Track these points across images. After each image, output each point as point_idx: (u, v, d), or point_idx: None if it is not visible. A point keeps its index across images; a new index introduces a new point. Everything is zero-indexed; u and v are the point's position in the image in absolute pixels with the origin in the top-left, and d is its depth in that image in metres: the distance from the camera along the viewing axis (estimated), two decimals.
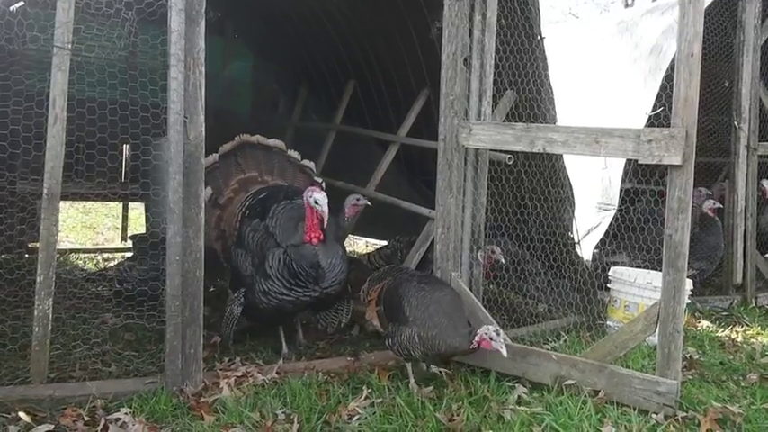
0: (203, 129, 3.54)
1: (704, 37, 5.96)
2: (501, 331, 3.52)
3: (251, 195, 4.63)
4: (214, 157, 4.72)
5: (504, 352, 3.43)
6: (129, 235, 7.27)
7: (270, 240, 4.18)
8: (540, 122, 4.84)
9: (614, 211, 5.89)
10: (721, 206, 6.28)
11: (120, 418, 3.13)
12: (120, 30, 3.49)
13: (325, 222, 3.99)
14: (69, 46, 3.31)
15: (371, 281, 4.15)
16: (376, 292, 4.04)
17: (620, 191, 5.89)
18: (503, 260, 4.85)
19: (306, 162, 5.12)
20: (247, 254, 4.28)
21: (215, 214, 4.71)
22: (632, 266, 5.49)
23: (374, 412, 3.35)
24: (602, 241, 5.87)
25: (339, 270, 4.10)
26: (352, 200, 4.66)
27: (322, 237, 4.04)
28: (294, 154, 5.06)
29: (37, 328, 3.32)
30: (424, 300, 3.71)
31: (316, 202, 3.96)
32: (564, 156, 5.14)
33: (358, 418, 3.31)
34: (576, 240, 5.43)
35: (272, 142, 5.05)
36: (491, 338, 3.45)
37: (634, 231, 4.93)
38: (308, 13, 6.56)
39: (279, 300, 4.09)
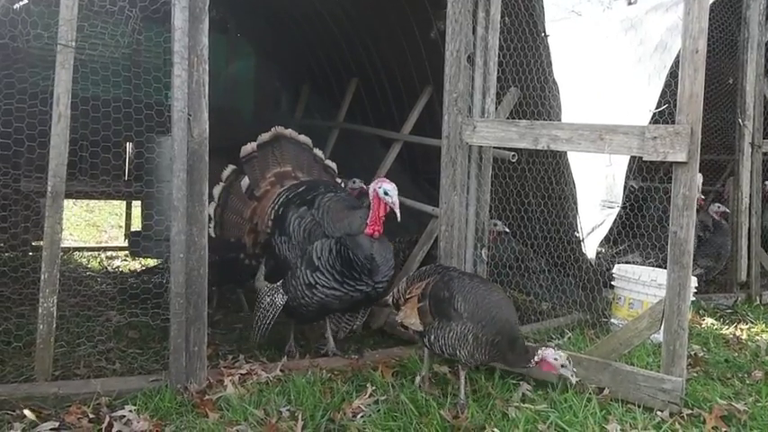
0: (207, 126, 3.53)
1: (709, 34, 5.96)
2: (564, 354, 3.34)
3: (286, 190, 4.43)
4: (252, 145, 4.57)
5: (573, 380, 3.31)
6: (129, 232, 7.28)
7: (318, 230, 4.04)
8: (545, 120, 4.82)
9: (618, 209, 5.88)
10: (727, 210, 6.27)
11: (124, 416, 3.13)
12: (124, 27, 3.49)
13: (398, 214, 3.84)
14: (73, 44, 3.30)
15: (410, 279, 3.86)
16: (419, 289, 3.71)
17: (628, 189, 5.88)
18: (506, 230, 4.88)
19: (329, 162, 4.93)
20: (292, 242, 4.10)
21: (250, 206, 4.52)
22: (646, 266, 5.47)
23: (378, 410, 3.35)
24: (614, 241, 5.86)
25: (391, 265, 3.99)
26: (348, 184, 4.88)
27: (381, 231, 3.91)
28: (319, 153, 4.88)
29: (41, 326, 3.32)
30: (484, 299, 3.46)
31: (386, 193, 3.81)
32: (568, 153, 5.14)
33: (362, 416, 3.30)
34: (581, 238, 5.42)
35: (303, 138, 4.82)
36: (561, 365, 3.28)
37: (647, 230, 4.93)
38: (311, 11, 6.55)
39: (326, 295, 3.92)
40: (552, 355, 3.28)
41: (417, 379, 3.72)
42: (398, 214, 3.84)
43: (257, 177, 4.54)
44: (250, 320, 5.05)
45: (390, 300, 3.93)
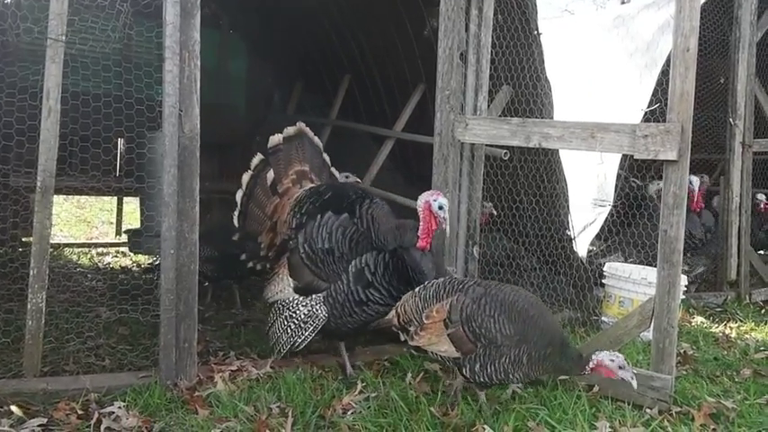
0: (198, 122, 3.52)
1: (700, 33, 5.97)
2: (621, 357, 3.10)
3: (308, 195, 4.05)
4: (279, 137, 4.31)
5: (634, 384, 3.07)
6: (123, 229, 7.26)
7: (365, 242, 3.72)
8: (537, 118, 4.83)
9: (610, 207, 5.90)
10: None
11: (113, 412, 3.12)
12: (115, 22, 3.46)
13: (447, 230, 3.73)
14: (63, 38, 3.28)
15: (423, 299, 3.35)
16: (442, 313, 3.22)
17: (628, 186, 5.90)
18: (495, 212, 4.87)
19: (333, 169, 4.61)
20: (336, 255, 3.75)
21: (273, 202, 4.20)
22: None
23: (369, 407, 3.34)
24: (605, 239, 5.88)
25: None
26: (341, 179, 4.67)
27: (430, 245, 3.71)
28: (327, 157, 4.57)
29: (30, 322, 3.30)
30: (527, 313, 3.14)
31: (440, 207, 3.61)
32: (560, 151, 5.15)
33: (353, 413, 3.30)
34: (572, 236, 5.44)
35: (317, 140, 4.53)
36: (619, 367, 3.05)
37: (637, 228, 4.94)
38: (304, 7, 6.54)
39: (376, 312, 3.67)
40: (608, 357, 3.06)
41: (408, 376, 3.71)
42: (448, 231, 3.73)
43: (281, 172, 4.27)
44: (241, 317, 5.08)
45: (395, 320, 3.47)
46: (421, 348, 3.39)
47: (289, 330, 3.85)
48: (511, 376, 3.13)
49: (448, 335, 3.19)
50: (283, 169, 4.26)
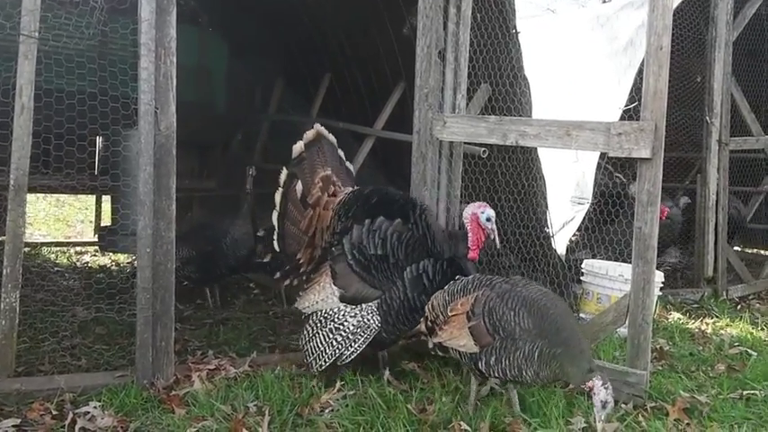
0: (175, 119, 3.50)
1: (677, 33, 6.05)
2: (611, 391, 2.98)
3: (354, 196, 3.92)
4: (300, 145, 4.06)
5: (598, 427, 2.97)
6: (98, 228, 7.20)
7: (421, 249, 3.65)
8: (515, 116, 4.85)
9: (588, 205, 5.95)
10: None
11: (88, 412, 3.10)
12: (89, 18, 3.43)
13: (497, 242, 3.74)
14: (36, 34, 3.25)
15: (450, 294, 3.36)
16: (465, 305, 3.25)
17: (613, 182, 5.95)
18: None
19: (348, 164, 4.40)
20: (390, 261, 3.63)
21: (307, 216, 3.97)
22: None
23: (347, 404, 3.34)
24: (577, 243, 5.93)
25: None
26: None
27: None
28: (342, 153, 4.32)
29: (3, 322, 3.26)
30: (548, 310, 3.13)
31: (488, 219, 3.64)
32: (538, 149, 5.18)
33: (330, 410, 3.30)
34: (551, 234, 5.47)
35: (333, 138, 4.29)
36: (601, 401, 2.94)
37: (612, 225, 4.97)
38: (285, 4, 6.51)
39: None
40: (601, 384, 2.96)
41: (386, 373, 3.72)
42: (498, 242, 3.72)
43: (308, 182, 4.02)
44: (220, 316, 5.06)
45: (422, 325, 3.47)
46: (444, 347, 3.36)
47: (334, 343, 3.66)
48: (524, 373, 3.07)
49: (468, 328, 3.20)
50: (310, 179, 4.05)
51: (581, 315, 5.05)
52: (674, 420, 3.32)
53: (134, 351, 3.52)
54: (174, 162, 3.53)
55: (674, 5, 5.68)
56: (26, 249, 6.07)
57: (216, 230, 5.20)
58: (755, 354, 4.47)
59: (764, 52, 7.32)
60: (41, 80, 3.35)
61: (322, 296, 3.76)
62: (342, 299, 3.69)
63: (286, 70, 7.62)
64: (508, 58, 4.84)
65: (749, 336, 5.00)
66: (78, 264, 6.65)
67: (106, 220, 6.98)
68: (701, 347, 4.67)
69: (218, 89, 7.83)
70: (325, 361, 3.65)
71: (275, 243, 4.01)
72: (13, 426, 2.96)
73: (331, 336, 3.68)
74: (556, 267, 5.13)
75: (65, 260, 6.80)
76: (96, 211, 7.42)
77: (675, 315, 5.55)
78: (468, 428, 3.11)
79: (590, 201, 5.81)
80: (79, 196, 9.11)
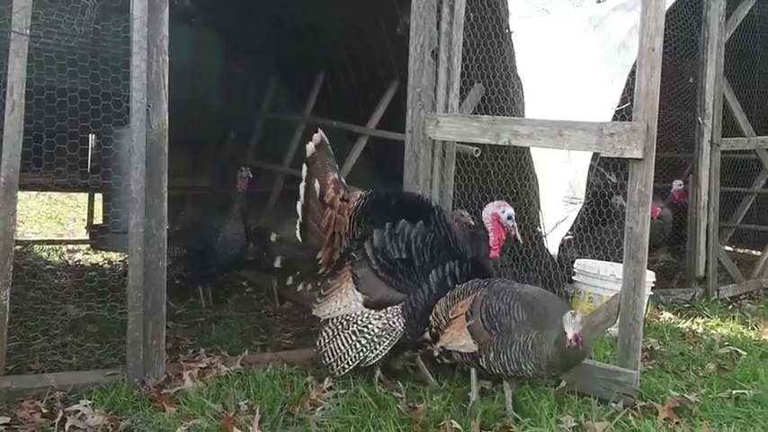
0: (167, 118, 3.49)
1: (670, 34, 6.07)
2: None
3: (371, 199, 3.86)
4: (311, 145, 3.98)
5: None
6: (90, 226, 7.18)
7: (445, 251, 3.63)
8: (508, 116, 4.86)
9: (581, 205, 5.97)
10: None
11: (78, 410, 3.09)
12: (81, 16, 3.42)
13: (519, 238, 3.73)
14: (28, 32, 3.23)
15: (451, 298, 3.45)
16: (465, 306, 3.33)
17: (605, 182, 5.97)
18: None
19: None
20: (415, 264, 3.60)
21: (327, 215, 3.88)
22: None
23: (338, 403, 3.35)
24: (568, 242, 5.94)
25: None
26: None
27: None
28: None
29: None
30: (540, 301, 3.22)
31: (509, 218, 3.63)
32: (531, 149, 5.19)
33: (321, 409, 3.30)
34: (544, 234, 5.49)
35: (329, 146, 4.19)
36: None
37: (603, 225, 4.99)
38: (279, 3, 6.51)
39: None
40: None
41: (377, 373, 3.73)
42: (519, 238, 3.72)
43: (323, 181, 3.95)
44: (212, 314, 5.06)
45: (428, 331, 3.52)
46: (448, 351, 3.39)
47: (357, 346, 3.62)
48: (523, 366, 3.10)
49: (468, 327, 3.26)
50: (323, 178, 3.97)
51: None
52: (664, 419, 3.33)
53: (125, 349, 3.51)
54: (165, 160, 3.53)
55: (667, 7, 5.73)
56: (17, 247, 6.07)
57: (207, 229, 5.19)
58: (745, 353, 4.49)
59: (756, 53, 7.36)
60: (33, 78, 3.34)
61: (344, 302, 3.71)
62: (366, 304, 3.65)
63: (280, 69, 7.61)
64: (501, 58, 4.85)
65: (739, 335, 5.03)
66: (70, 262, 6.63)
67: (98, 219, 6.97)
68: (692, 347, 4.69)
69: (211, 87, 7.82)
70: (348, 364, 3.62)
71: (297, 232, 3.95)
72: (2, 424, 2.95)
73: (354, 338, 3.65)
74: (548, 267, 5.14)
75: (57, 258, 6.77)
76: (89, 209, 7.39)
77: (667, 315, 5.57)
78: (458, 427, 3.12)
79: (582, 201, 5.83)
80: (72, 194, 9.08)
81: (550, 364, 3.08)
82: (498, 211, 3.67)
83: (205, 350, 4.09)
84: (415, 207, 3.82)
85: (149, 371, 3.48)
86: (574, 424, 3.19)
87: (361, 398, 3.40)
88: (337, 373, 3.63)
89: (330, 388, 3.49)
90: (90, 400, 3.21)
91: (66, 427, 2.96)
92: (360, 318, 3.67)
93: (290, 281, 4.15)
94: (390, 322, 3.61)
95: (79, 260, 6.76)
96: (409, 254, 3.61)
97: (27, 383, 3.31)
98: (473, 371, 3.38)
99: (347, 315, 3.70)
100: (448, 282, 3.56)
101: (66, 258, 6.76)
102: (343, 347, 3.66)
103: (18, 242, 6.25)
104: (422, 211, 3.77)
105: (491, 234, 3.67)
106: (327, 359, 3.69)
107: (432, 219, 3.72)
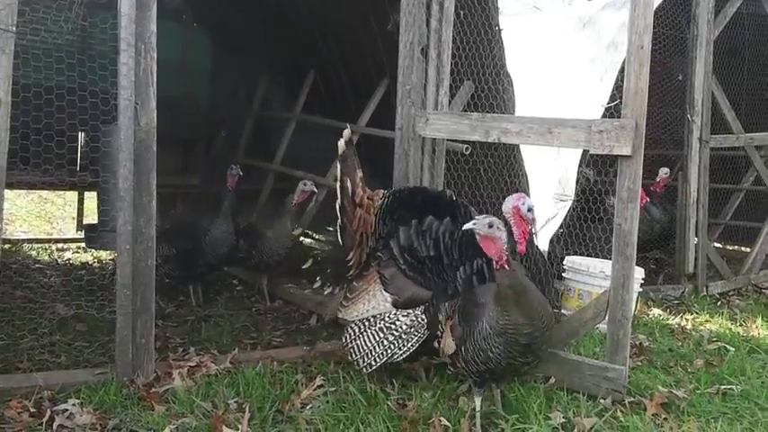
0: (155, 115, 3.48)
1: (660, 31, 6.08)
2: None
3: (395, 197, 3.85)
4: (342, 143, 3.93)
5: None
6: (84, 224, 7.14)
7: (472, 247, 3.41)
8: (498, 113, 4.87)
9: (571, 202, 5.98)
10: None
11: (66, 410, 3.08)
12: (68, 13, 3.40)
13: (537, 232, 3.61)
14: (14, 28, 3.21)
15: (451, 306, 3.40)
16: (453, 307, 3.34)
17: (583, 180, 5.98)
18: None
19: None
20: (444, 262, 3.51)
21: (357, 215, 3.86)
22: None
23: (327, 401, 3.35)
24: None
25: None
26: (299, 186, 4.63)
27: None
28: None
29: None
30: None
31: (529, 210, 3.54)
32: (521, 147, 5.20)
33: (311, 407, 3.31)
34: (534, 231, 5.48)
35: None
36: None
37: (592, 222, 5.00)
38: (268, 0, 6.49)
39: None
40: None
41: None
42: (536, 233, 3.61)
43: (354, 180, 3.92)
44: (202, 313, 5.04)
45: (436, 341, 3.42)
46: (451, 360, 3.29)
47: (385, 342, 3.55)
48: (490, 354, 2.99)
49: (450, 327, 3.25)
50: (353, 177, 3.94)
51: (563, 311, 5.08)
52: (652, 415, 3.35)
53: (114, 348, 3.50)
54: (154, 158, 3.51)
55: (656, 4, 5.75)
56: (6, 246, 6.04)
57: (196, 228, 5.16)
58: (733, 349, 4.52)
59: (744, 51, 7.40)
60: (20, 75, 3.31)
61: (372, 304, 3.65)
62: (395, 304, 3.57)
63: (270, 66, 7.59)
64: (491, 56, 4.85)
65: (727, 331, 5.06)
66: (60, 260, 6.59)
67: (89, 217, 6.94)
68: (681, 343, 4.71)
69: (202, 85, 7.78)
70: (375, 360, 3.54)
71: (338, 234, 3.88)
72: None
73: (381, 335, 3.58)
74: (538, 264, 5.14)
75: (46, 257, 6.73)
76: (78, 207, 7.35)
77: (656, 311, 5.60)
78: (447, 424, 3.13)
79: (572, 198, 5.84)
80: (62, 193, 9.02)
81: (509, 342, 2.95)
82: (519, 203, 3.57)
83: (195, 349, 4.08)
84: (441, 203, 3.75)
85: (138, 369, 3.47)
86: (562, 420, 3.20)
87: (351, 395, 3.40)
88: (364, 370, 3.57)
89: (320, 386, 3.49)
90: (78, 399, 3.20)
91: (54, 427, 2.95)
92: (387, 314, 3.60)
93: (317, 283, 4.09)
94: (419, 318, 3.53)
95: (69, 259, 6.72)
96: (438, 251, 3.52)
97: (15, 383, 3.29)
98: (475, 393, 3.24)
99: (379, 314, 3.63)
100: (474, 279, 3.44)
101: (56, 257, 6.72)
102: (369, 343, 3.59)
103: (7, 241, 6.23)
104: (447, 207, 3.71)
105: (514, 228, 3.57)
106: (353, 355, 3.62)
107: (458, 215, 3.64)
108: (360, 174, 3.93)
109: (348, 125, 4.06)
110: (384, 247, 3.67)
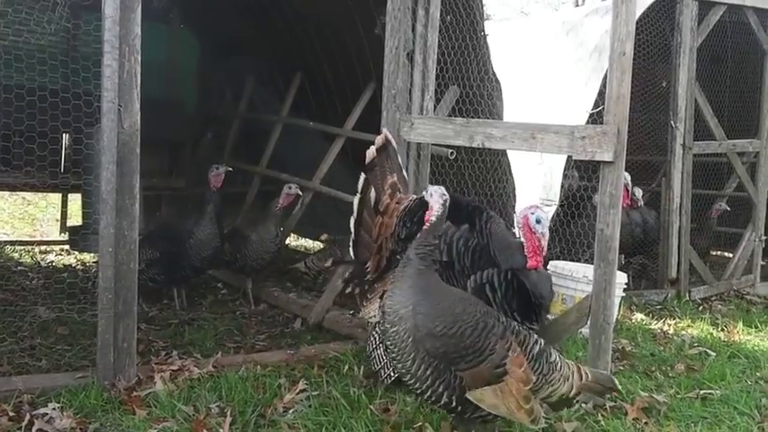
0: (139, 118, 3.46)
1: (644, 38, 6.13)
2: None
3: (421, 201, 3.57)
4: (373, 150, 3.86)
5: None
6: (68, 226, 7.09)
7: (486, 256, 3.37)
8: (484, 118, 4.89)
9: (556, 207, 6.02)
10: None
11: (46, 414, 3.05)
12: (51, 14, 3.38)
13: (545, 247, 3.29)
14: None
15: None
16: None
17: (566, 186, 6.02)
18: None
19: (404, 172, 4.16)
20: (456, 268, 3.39)
21: (378, 223, 3.80)
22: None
23: (310, 405, 3.35)
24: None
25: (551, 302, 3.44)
26: (285, 189, 4.63)
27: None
28: (400, 160, 4.10)
29: None
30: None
31: (537, 221, 3.21)
32: (509, 152, 5.23)
33: (294, 411, 3.30)
34: (519, 235, 5.51)
35: (395, 144, 4.06)
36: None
37: (576, 227, 5.04)
38: (255, 3, 6.48)
39: None
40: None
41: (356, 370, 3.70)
42: (545, 247, 3.27)
43: (379, 189, 3.85)
44: (186, 316, 5.02)
45: None
46: None
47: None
48: (404, 357, 2.71)
49: None
50: (381, 185, 3.86)
51: (547, 316, 5.09)
52: (633, 419, 3.38)
53: (96, 351, 3.47)
54: (137, 161, 3.49)
55: (639, 12, 5.80)
56: None
57: (180, 231, 5.13)
58: (714, 354, 4.57)
59: (727, 58, 7.49)
60: (1, 76, 3.30)
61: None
62: None
63: (257, 69, 7.57)
64: (477, 61, 4.88)
65: (709, 336, 5.11)
66: (42, 263, 6.54)
67: (73, 220, 6.89)
68: (662, 348, 4.75)
69: (188, 87, 7.76)
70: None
71: (350, 250, 3.87)
72: None
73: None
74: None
75: (29, 259, 6.67)
76: (62, 210, 7.29)
77: (639, 316, 5.64)
78: (430, 429, 3.13)
79: (557, 203, 5.88)
80: (45, 195, 8.94)
81: (416, 340, 2.65)
82: (528, 213, 3.27)
83: (178, 352, 4.06)
84: (464, 210, 3.62)
85: (120, 373, 3.45)
86: (544, 425, 3.20)
87: (334, 399, 3.40)
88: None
89: (303, 390, 3.49)
90: (59, 402, 3.16)
91: (34, 431, 2.92)
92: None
93: (350, 289, 3.98)
94: None
95: (52, 261, 6.67)
96: (450, 256, 3.40)
97: None
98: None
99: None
100: (485, 290, 3.27)
101: (39, 260, 6.67)
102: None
103: None
104: (469, 214, 3.59)
105: (525, 242, 3.27)
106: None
107: (477, 223, 3.51)
108: (392, 178, 3.85)
109: (384, 129, 3.98)
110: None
